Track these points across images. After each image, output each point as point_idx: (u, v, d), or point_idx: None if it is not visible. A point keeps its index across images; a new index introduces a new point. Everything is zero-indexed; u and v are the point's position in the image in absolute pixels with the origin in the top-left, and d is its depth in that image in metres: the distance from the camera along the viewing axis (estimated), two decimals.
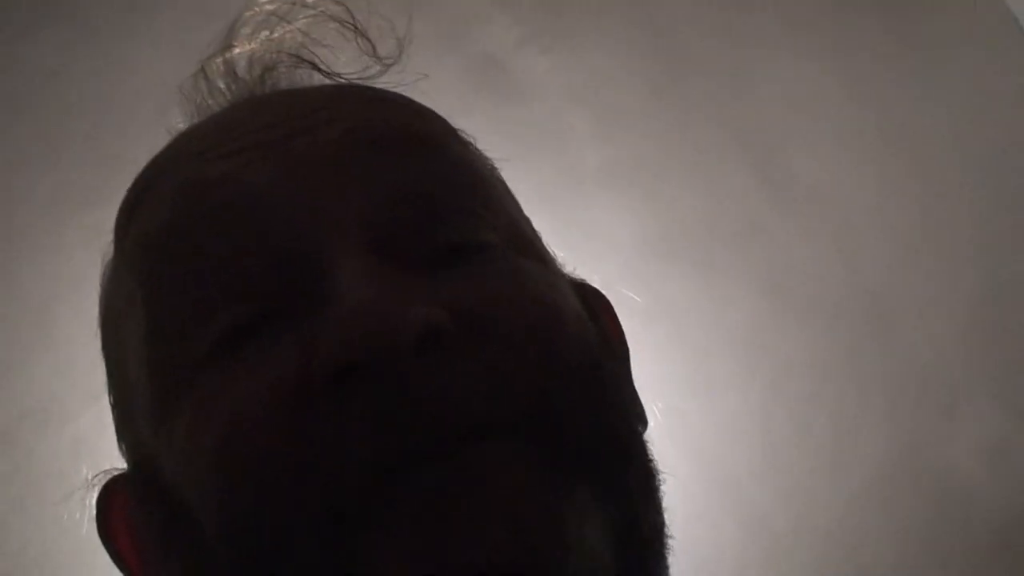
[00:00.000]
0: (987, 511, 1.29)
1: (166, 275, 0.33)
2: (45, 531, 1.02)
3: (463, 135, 0.39)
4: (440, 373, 0.29)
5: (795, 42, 1.44)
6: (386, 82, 0.39)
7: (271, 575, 0.29)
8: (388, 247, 0.32)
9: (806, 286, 1.35)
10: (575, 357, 0.32)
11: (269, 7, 0.41)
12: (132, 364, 0.34)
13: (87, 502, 0.38)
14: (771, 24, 1.44)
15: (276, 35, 0.41)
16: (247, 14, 0.42)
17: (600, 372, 0.33)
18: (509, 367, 0.30)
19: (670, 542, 0.34)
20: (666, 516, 0.34)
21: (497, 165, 0.39)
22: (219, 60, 0.41)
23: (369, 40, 0.41)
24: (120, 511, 0.37)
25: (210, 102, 0.40)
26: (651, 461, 0.34)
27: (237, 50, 0.41)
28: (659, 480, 0.34)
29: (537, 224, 0.39)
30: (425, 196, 0.33)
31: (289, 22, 0.41)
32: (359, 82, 0.40)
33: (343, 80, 0.40)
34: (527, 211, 0.40)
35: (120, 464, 0.38)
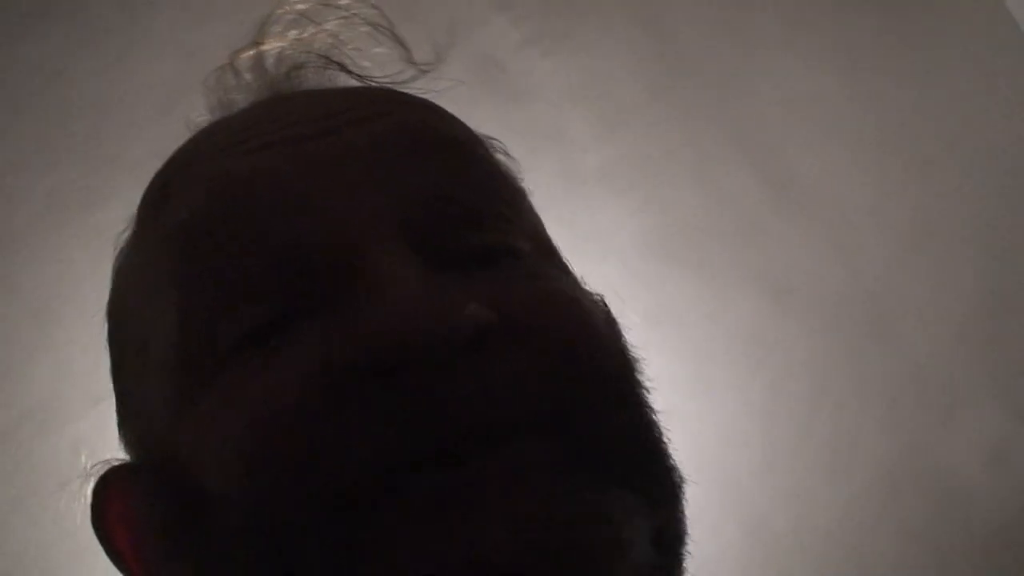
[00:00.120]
0: (987, 511, 1.29)
1: (199, 265, 0.33)
2: (45, 531, 1.02)
3: (494, 142, 0.39)
4: (485, 371, 0.29)
5: (795, 44, 1.44)
6: (419, 88, 0.40)
7: (292, 563, 0.29)
8: (425, 245, 0.32)
9: (806, 286, 1.35)
10: (609, 364, 0.33)
11: (300, 7, 0.42)
12: (155, 351, 0.34)
13: (84, 491, 0.38)
14: (771, 26, 1.44)
15: (306, 35, 0.41)
16: (278, 12, 0.42)
17: (632, 379, 0.34)
18: (545, 371, 0.31)
19: (688, 549, 0.34)
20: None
21: None
22: (248, 54, 0.41)
23: (405, 46, 0.42)
24: (118, 502, 0.37)
25: (234, 96, 0.40)
26: (677, 469, 0.34)
27: (267, 46, 0.41)
28: (683, 488, 0.34)
29: None
30: (460, 198, 0.34)
31: (320, 23, 0.42)
32: (390, 85, 0.40)
33: (374, 83, 0.41)
34: None
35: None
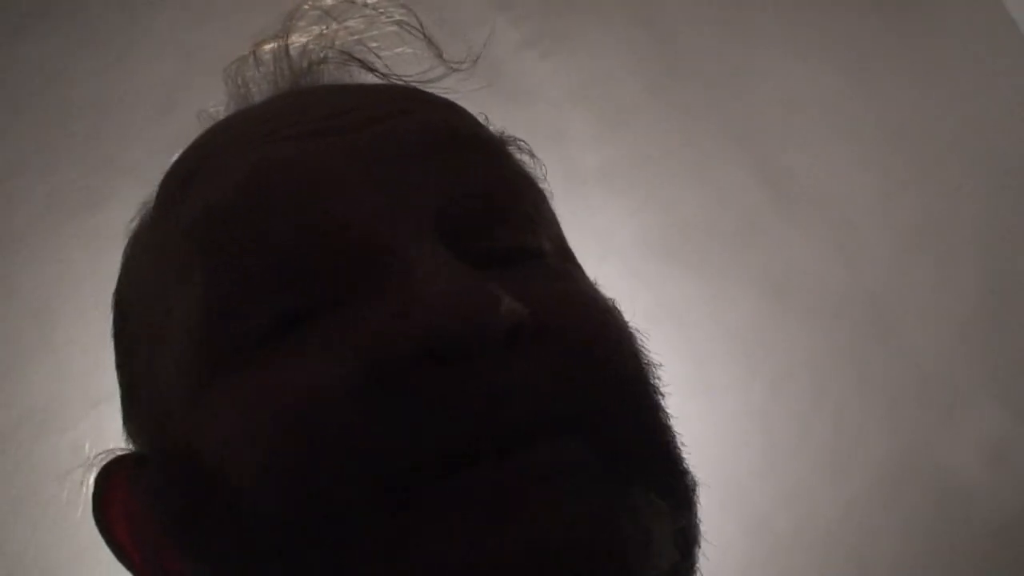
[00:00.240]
0: (987, 510, 1.29)
1: (225, 255, 0.33)
2: (44, 532, 1.02)
3: (518, 143, 0.39)
4: (517, 367, 0.29)
5: (795, 44, 1.44)
6: (442, 88, 0.40)
7: (315, 557, 0.29)
8: (457, 240, 0.32)
9: (806, 286, 1.35)
10: (628, 366, 0.33)
11: (327, 2, 0.42)
12: (165, 341, 0.34)
13: (86, 480, 0.38)
14: (771, 26, 1.44)
15: (330, 31, 0.41)
16: (304, 7, 0.42)
17: (650, 382, 0.34)
18: (567, 372, 0.31)
19: (700, 556, 0.34)
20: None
21: None
22: (271, 46, 0.41)
23: (436, 45, 0.42)
24: (120, 494, 0.37)
25: (253, 88, 0.40)
26: (691, 472, 0.35)
27: (291, 39, 0.41)
28: (698, 491, 0.34)
29: None
30: (489, 197, 0.34)
31: (343, 21, 0.41)
32: (413, 84, 0.40)
33: (400, 81, 0.41)
34: None
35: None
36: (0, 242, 1.12)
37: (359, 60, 0.41)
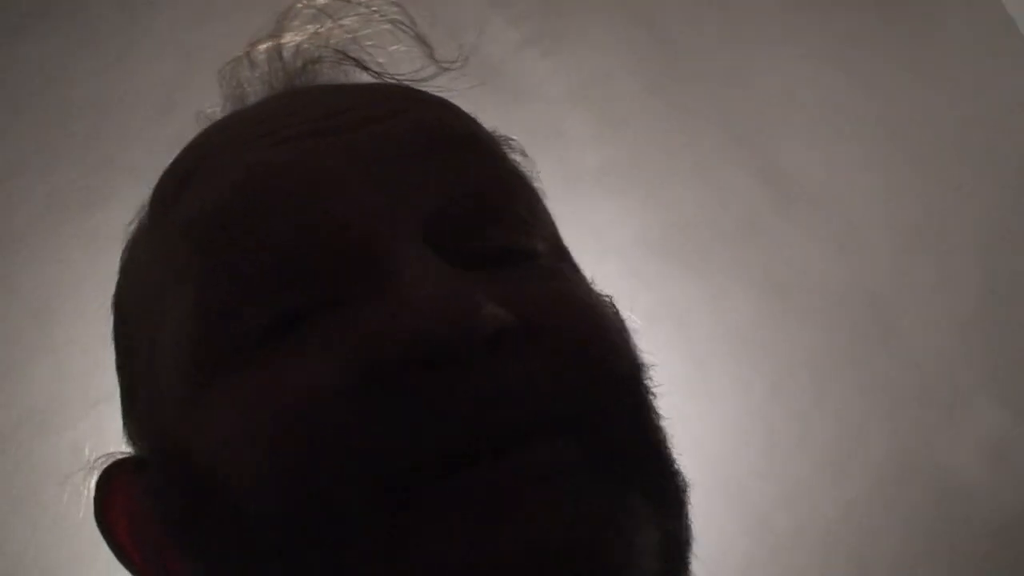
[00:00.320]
0: (988, 510, 1.29)
1: (221, 256, 0.33)
2: (44, 532, 1.02)
3: (510, 142, 0.39)
4: (501, 372, 0.29)
5: (794, 43, 1.44)
6: (436, 86, 0.40)
7: (315, 558, 0.29)
8: (443, 243, 0.32)
9: (806, 286, 1.35)
10: (622, 366, 0.33)
11: (321, 1, 0.42)
12: (164, 342, 0.34)
13: (87, 484, 0.38)
14: (770, 25, 1.44)
15: (324, 30, 0.41)
16: (298, 6, 0.42)
17: (642, 383, 0.34)
18: (561, 372, 0.31)
19: (694, 554, 0.34)
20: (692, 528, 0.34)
21: None
22: (265, 47, 0.41)
23: (428, 44, 0.42)
24: (121, 496, 0.37)
25: (248, 88, 0.40)
26: (682, 474, 0.35)
27: (284, 40, 0.41)
28: (689, 493, 0.34)
29: None
30: (482, 197, 0.34)
31: (338, 19, 0.42)
32: (408, 83, 0.40)
33: (393, 80, 0.41)
34: None
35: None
36: (0, 242, 1.12)
37: (353, 59, 0.41)
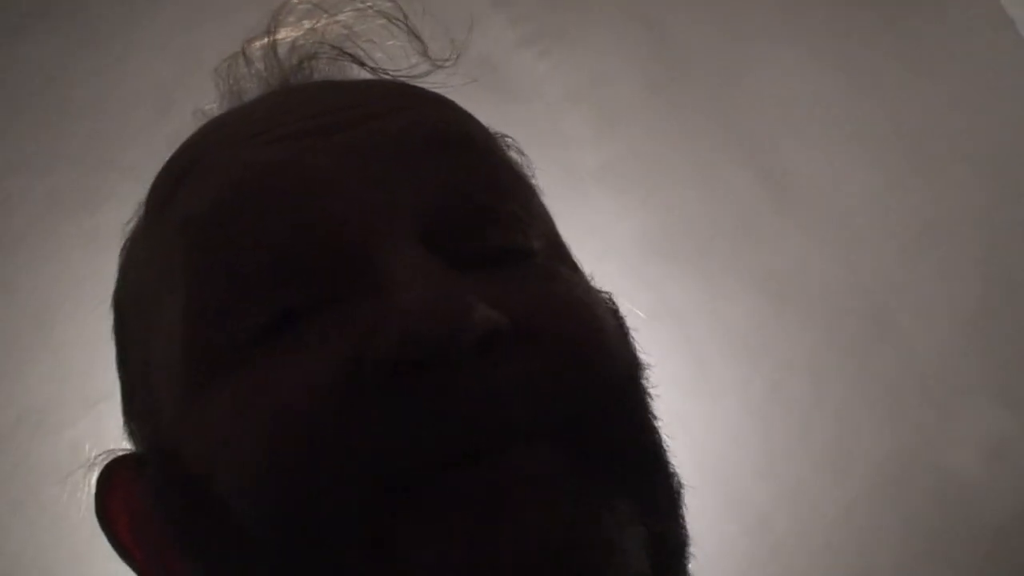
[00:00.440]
0: (987, 510, 1.29)
1: (215, 255, 0.33)
2: (43, 532, 1.02)
3: (507, 140, 0.39)
4: (492, 374, 0.29)
5: (793, 42, 1.44)
6: (432, 83, 0.40)
7: (312, 558, 0.29)
8: (440, 242, 0.32)
9: (806, 285, 1.34)
10: (616, 370, 0.33)
11: None
12: (160, 341, 0.34)
13: (88, 481, 0.38)
14: (770, 24, 1.44)
15: (319, 26, 0.41)
16: (293, 1, 0.42)
17: (638, 386, 0.34)
18: (554, 375, 0.31)
19: (691, 555, 0.34)
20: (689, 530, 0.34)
21: None
22: (261, 43, 0.41)
23: (421, 39, 0.42)
24: (122, 492, 0.37)
25: (245, 85, 0.40)
26: (677, 476, 0.34)
27: (280, 36, 0.41)
28: (683, 495, 0.34)
29: None
30: (477, 197, 0.34)
31: (333, 15, 0.41)
32: (405, 80, 0.40)
33: (388, 76, 0.40)
34: None
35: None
36: None
37: (350, 55, 0.40)
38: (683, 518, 0.34)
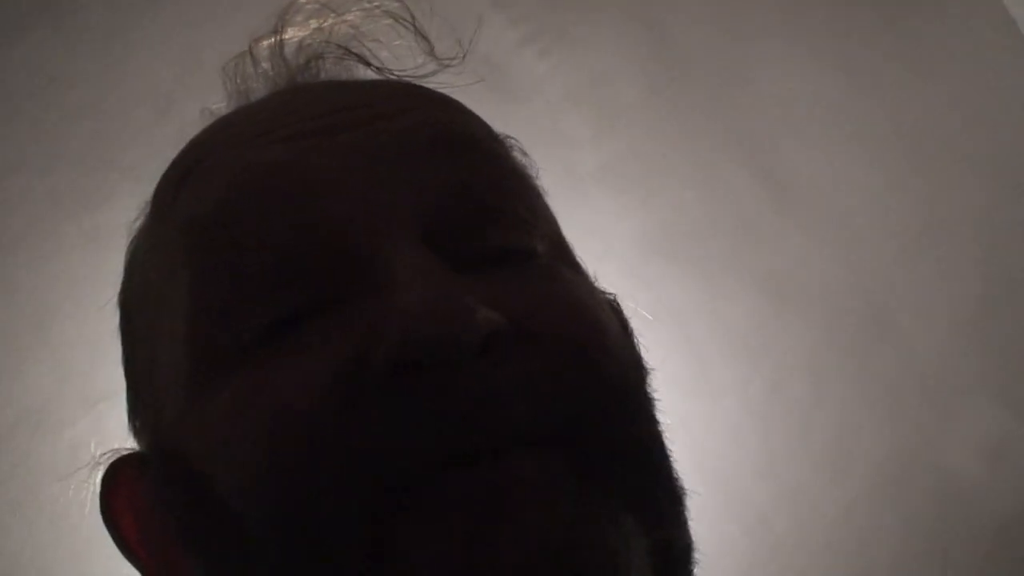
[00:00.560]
0: (987, 510, 1.29)
1: (217, 255, 0.33)
2: (42, 532, 1.02)
3: (511, 141, 0.39)
4: (493, 375, 0.29)
5: (793, 42, 1.44)
6: (437, 83, 0.40)
7: (312, 558, 0.29)
8: (442, 243, 0.32)
9: (806, 285, 1.34)
10: (617, 372, 0.33)
11: None
12: (164, 340, 0.34)
13: (93, 479, 0.38)
14: (770, 24, 1.44)
15: (326, 25, 0.41)
16: (300, 1, 0.42)
17: (636, 392, 0.34)
18: (551, 380, 0.30)
19: (696, 560, 0.34)
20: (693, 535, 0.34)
21: None
22: (268, 43, 0.41)
23: (428, 40, 0.41)
24: (126, 491, 0.37)
25: (252, 85, 0.40)
26: (680, 482, 0.34)
27: (286, 35, 0.41)
28: (686, 500, 0.34)
29: None
30: (480, 198, 0.34)
31: (340, 14, 0.41)
32: (409, 80, 0.40)
33: (394, 76, 0.41)
34: None
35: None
36: None
37: (356, 55, 0.40)
38: (687, 522, 0.34)
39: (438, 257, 0.31)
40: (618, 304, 0.40)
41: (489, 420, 0.29)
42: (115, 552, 0.38)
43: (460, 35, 0.43)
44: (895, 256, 1.38)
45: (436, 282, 0.30)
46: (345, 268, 0.32)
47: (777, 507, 1.26)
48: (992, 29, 1.50)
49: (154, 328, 0.35)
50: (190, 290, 0.33)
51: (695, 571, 0.34)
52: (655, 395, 0.36)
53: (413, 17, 0.42)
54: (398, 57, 0.41)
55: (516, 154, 0.39)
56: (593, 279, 0.38)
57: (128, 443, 0.38)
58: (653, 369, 0.36)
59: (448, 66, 0.41)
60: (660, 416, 0.36)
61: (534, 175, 0.39)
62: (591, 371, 0.32)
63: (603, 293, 0.39)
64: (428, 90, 0.39)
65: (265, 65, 0.40)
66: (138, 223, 0.39)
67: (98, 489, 0.38)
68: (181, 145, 0.39)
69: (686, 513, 0.34)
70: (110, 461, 0.38)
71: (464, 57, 0.42)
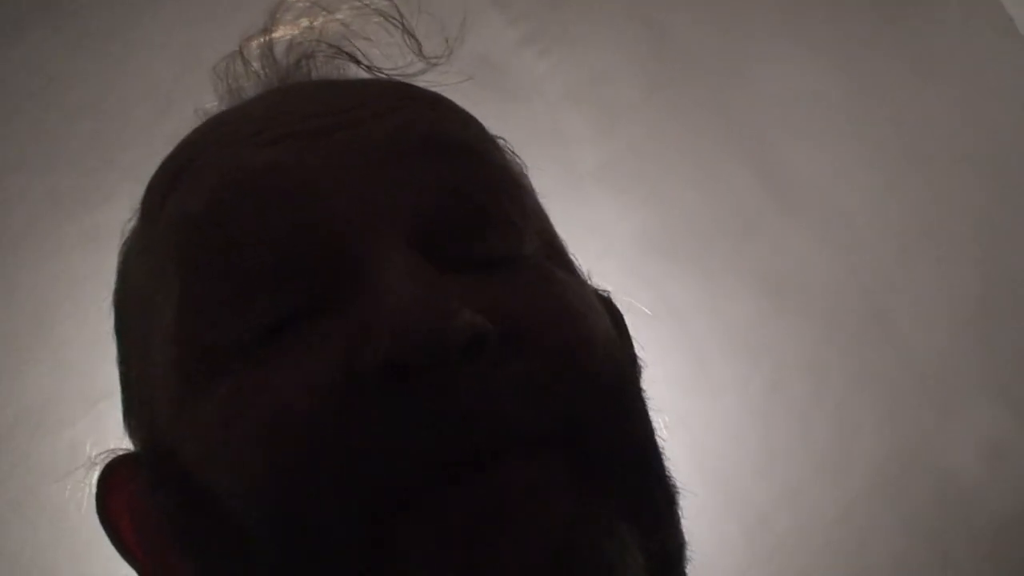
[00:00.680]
0: (987, 510, 1.29)
1: (207, 257, 0.33)
2: (42, 532, 1.01)
3: (500, 141, 0.39)
4: (493, 375, 0.29)
5: (793, 42, 1.44)
6: (427, 81, 0.40)
7: (312, 558, 0.29)
8: (431, 245, 0.32)
9: (806, 285, 1.34)
10: (607, 376, 0.33)
11: None
12: (156, 342, 0.34)
13: (89, 479, 0.38)
14: (769, 23, 1.44)
15: (317, 24, 0.41)
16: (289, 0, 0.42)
17: (630, 392, 0.34)
18: (544, 382, 0.30)
19: (689, 557, 0.34)
20: (686, 535, 0.34)
21: None
22: (258, 42, 0.41)
23: (415, 38, 0.41)
24: (123, 492, 0.37)
25: (243, 84, 0.40)
26: (673, 481, 0.34)
27: (277, 34, 0.41)
28: (680, 500, 0.34)
29: None
30: (470, 201, 0.34)
31: (331, 12, 0.41)
32: (399, 78, 0.40)
33: (384, 75, 0.40)
34: None
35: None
36: None
37: (347, 54, 0.40)
38: (678, 523, 0.34)
39: (428, 258, 0.31)
40: (613, 303, 0.40)
41: (488, 421, 0.29)
42: (115, 552, 0.38)
43: (457, 34, 0.43)
44: (895, 256, 1.38)
45: (423, 283, 0.30)
46: (342, 268, 0.31)
47: (777, 507, 1.26)
48: (991, 29, 1.50)
49: (148, 327, 0.35)
50: (183, 289, 0.33)
51: (689, 570, 0.34)
52: (647, 393, 0.36)
53: (401, 15, 0.42)
54: (390, 56, 0.41)
55: (507, 153, 0.39)
56: (587, 277, 0.38)
57: (126, 443, 0.38)
58: (647, 366, 0.35)
59: (435, 64, 0.41)
60: (653, 414, 0.35)
61: (525, 173, 0.39)
62: (581, 373, 0.32)
63: (597, 291, 0.39)
64: (420, 89, 0.38)
65: (256, 64, 0.40)
66: (131, 223, 0.39)
67: (94, 490, 0.38)
68: None
69: (679, 511, 0.34)
70: (106, 461, 0.38)
71: (450, 55, 0.42)
